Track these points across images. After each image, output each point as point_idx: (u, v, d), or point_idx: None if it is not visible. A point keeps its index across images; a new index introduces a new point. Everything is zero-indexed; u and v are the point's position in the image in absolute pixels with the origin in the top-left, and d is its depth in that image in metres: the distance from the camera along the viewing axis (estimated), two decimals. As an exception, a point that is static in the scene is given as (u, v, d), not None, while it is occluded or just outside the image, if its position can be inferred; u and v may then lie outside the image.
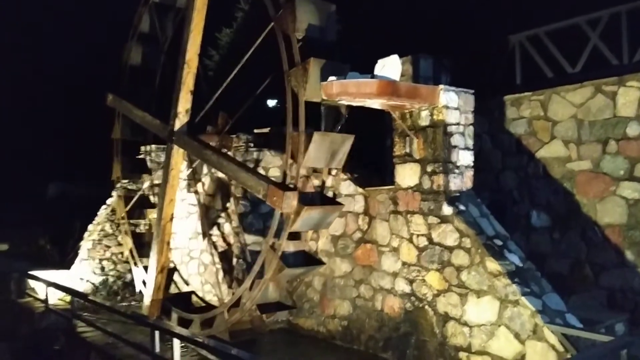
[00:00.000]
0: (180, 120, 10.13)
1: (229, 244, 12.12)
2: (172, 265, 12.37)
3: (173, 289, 12.25)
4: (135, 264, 12.14)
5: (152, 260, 10.54)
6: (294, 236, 8.83)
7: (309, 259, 9.13)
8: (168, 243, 10.58)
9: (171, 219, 10.46)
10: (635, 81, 8.76)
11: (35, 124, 22.14)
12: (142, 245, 12.25)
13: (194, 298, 11.90)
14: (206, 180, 12.77)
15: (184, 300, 11.19)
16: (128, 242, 12.27)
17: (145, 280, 11.67)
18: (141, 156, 13.66)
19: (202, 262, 13.14)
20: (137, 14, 12.28)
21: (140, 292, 12.07)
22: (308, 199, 8.32)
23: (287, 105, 8.31)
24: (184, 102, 10.12)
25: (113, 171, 12.96)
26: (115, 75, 12.73)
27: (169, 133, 10.30)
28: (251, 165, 11.28)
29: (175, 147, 10.21)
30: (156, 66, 12.32)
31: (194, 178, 13.21)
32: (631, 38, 9.28)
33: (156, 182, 13.46)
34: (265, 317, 9.17)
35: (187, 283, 12.71)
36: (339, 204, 8.72)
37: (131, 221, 12.72)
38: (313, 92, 8.06)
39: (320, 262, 9.33)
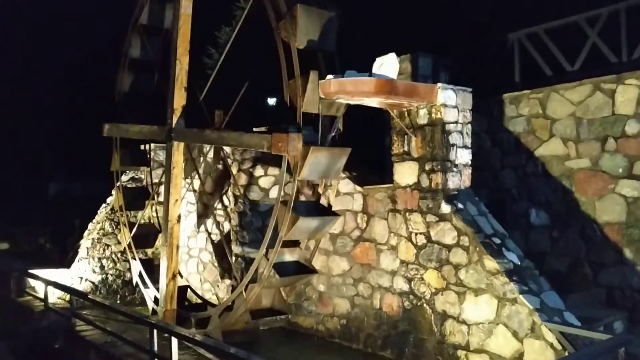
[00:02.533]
0: (177, 117, 10.20)
1: (228, 243, 12.12)
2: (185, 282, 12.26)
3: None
4: (134, 257, 12.10)
5: (162, 267, 10.26)
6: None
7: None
8: (177, 247, 10.30)
9: (178, 220, 10.33)
10: (634, 79, 8.75)
11: (36, 122, 22.14)
12: (140, 237, 12.18)
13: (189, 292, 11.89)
14: (205, 178, 12.79)
15: (179, 294, 11.08)
16: (126, 234, 12.17)
17: (142, 272, 11.63)
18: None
19: (201, 260, 13.17)
20: (126, 39, 12.34)
21: (137, 285, 12.02)
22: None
23: (279, 55, 8.53)
24: (179, 99, 10.19)
25: (114, 198, 12.84)
26: (109, 104, 12.75)
27: (168, 131, 10.31)
28: (250, 164, 11.30)
29: (176, 143, 10.21)
30: (150, 89, 12.35)
31: (193, 177, 13.23)
32: (630, 36, 9.27)
33: (156, 180, 13.47)
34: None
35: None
36: (345, 147, 8.62)
37: (129, 213, 12.62)
38: (303, 38, 8.39)
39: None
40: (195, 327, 9.71)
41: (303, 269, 9.11)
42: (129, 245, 12.03)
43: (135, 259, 11.99)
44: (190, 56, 10.49)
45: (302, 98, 8.18)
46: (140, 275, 11.71)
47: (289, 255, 9.00)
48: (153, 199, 12.60)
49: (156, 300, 10.76)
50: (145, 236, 12.29)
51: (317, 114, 8.60)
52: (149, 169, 13.03)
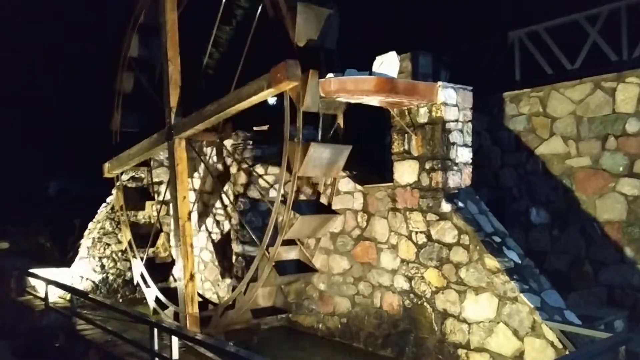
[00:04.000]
0: (175, 114, 10.25)
1: (228, 242, 12.12)
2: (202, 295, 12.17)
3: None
4: (134, 255, 12.07)
5: (179, 268, 10.16)
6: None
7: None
8: (192, 245, 10.20)
9: (189, 218, 10.26)
10: (634, 77, 8.74)
11: (36, 121, 22.14)
12: (141, 237, 12.14)
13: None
14: (206, 177, 12.78)
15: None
16: (127, 234, 12.14)
17: (143, 273, 11.60)
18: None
19: (201, 259, 13.16)
20: (118, 76, 12.36)
21: (138, 284, 12.02)
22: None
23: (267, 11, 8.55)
24: (175, 97, 10.30)
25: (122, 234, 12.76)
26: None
27: (168, 130, 10.33)
28: (249, 163, 11.28)
29: (177, 140, 10.21)
30: (144, 125, 12.36)
31: (193, 175, 13.23)
32: (630, 34, 9.25)
33: (156, 179, 13.48)
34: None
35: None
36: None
37: (130, 212, 12.60)
38: None
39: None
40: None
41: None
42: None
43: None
44: (191, 56, 10.57)
45: (292, 31, 8.12)
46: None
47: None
48: (161, 231, 12.56)
49: (176, 316, 10.56)
50: (159, 267, 12.23)
51: (317, 113, 8.55)
52: (153, 201, 12.98)
